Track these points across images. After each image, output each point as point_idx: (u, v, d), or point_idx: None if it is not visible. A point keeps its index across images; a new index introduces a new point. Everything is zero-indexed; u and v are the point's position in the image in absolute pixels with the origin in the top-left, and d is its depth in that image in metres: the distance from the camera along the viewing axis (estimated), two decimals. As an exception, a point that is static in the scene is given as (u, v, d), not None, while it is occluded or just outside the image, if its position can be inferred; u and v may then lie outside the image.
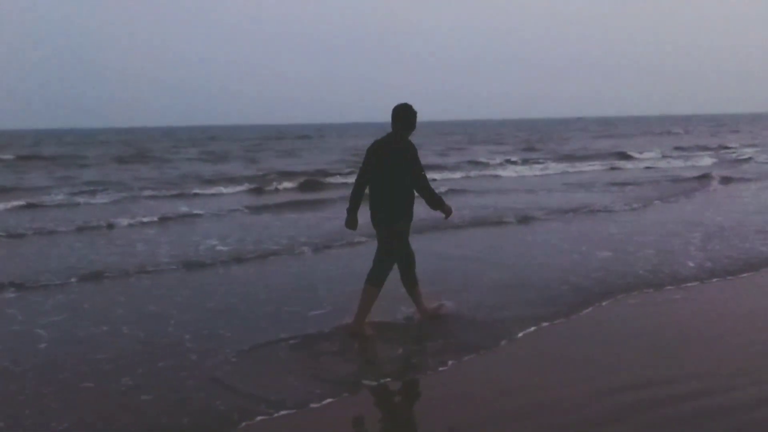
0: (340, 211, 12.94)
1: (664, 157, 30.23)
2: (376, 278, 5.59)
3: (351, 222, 5.68)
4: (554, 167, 25.47)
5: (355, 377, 4.70)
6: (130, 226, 11.78)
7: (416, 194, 5.64)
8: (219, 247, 9.63)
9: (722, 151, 32.70)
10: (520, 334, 5.51)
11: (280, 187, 19.02)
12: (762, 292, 6.84)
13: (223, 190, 18.53)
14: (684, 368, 4.70)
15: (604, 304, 6.33)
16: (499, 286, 7.03)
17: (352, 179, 20.07)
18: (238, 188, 18.86)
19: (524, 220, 11.71)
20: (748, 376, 4.50)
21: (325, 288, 7.18)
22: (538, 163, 27.73)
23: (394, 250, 5.64)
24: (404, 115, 5.53)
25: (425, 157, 28.21)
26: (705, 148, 35.39)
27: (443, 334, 5.60)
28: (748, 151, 31.70)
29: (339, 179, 20.93)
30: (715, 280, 7.15)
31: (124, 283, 7.63)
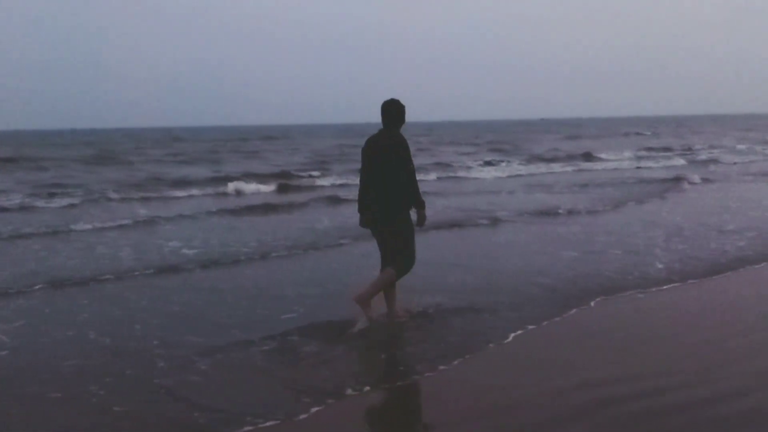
0: (308, 214, 13.13)
1: (634, 158, 30.59)
2: (401, 267, 5.75)
3: (365, 221, 5.89)
4: (524, 169, 25.72)
5: (339, 385, 4.58)
6: (93, 229, 11.52)
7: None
8: (184, 250, 9.51)
9: (688, 152, 33.32)
10: (511, 337, 5.52)
11: (247, 189, 18.78)
12: (722, 292, 6.92)
13: (187, 192, 18.21)
14: (649, 367, 4.78)
15: (588, 305, 6.38)
16: (476, 290, 7.03)
17: (322, 182, 20.16)
18: (203, 191, 18.57)
19: (495, 222, 11.78)
20: (704, 375, 4.64)
21: (294, 291, 7.12)
22: (508, 164, 27.83)
23: (411, 247, 5.77)
24: (393, 110, 5.68)
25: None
26: (669, 149, 36.04)
27: (426, 338, 5.59)
28: (714, 152, 32.41)
29: (305, 182, 20.73)
30: (690, 281, 7.24)
31: (87, 288, 7.46)
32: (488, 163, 28.10)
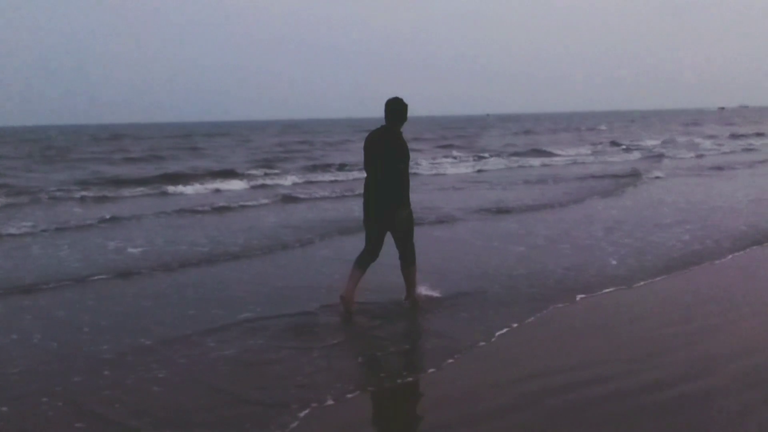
0: (259, 213, 12.96)
1: (587, 153, 31.15)
2: (413, 260, 6.25)
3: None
4: (479, 164, 25.89)
5: (320, 392, 4.49)
6: (32, 232, 11.15)
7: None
8: (130, 249, 9.40)
9: (642, 147, 34.02)
10: (497, 335, 5.57)
11: (193, 188, 18.45)
12: (672, 290, 7.06)
13: (131, 192, 17.81)
14: (636, 362, 4.93)
15: (571, 302, 6.48)
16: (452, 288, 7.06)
17: (271, 180, 19.85)
18: (148, 190, 18.12)
19: (452, 220, 11.81)
20: (644, 363, 4.89)
21: (250, 290, 7.11)
22: (462, 160, 27.92)
23: (412, 235, 6.20)
24: (397, 108, 5.98)
25: (340, 158, 28.39)
26: (623, 144, 36.82)
27: (412, 336, 5.68)
28: (667, 147, 33.42)
29: (253, 182, 20.17)
30: (645, 281, 7.28)
31: (27, 291, 7.28)
32: (435, 161, 27.85)
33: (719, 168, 21.20)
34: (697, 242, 9.09)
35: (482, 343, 5.39)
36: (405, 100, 6.08)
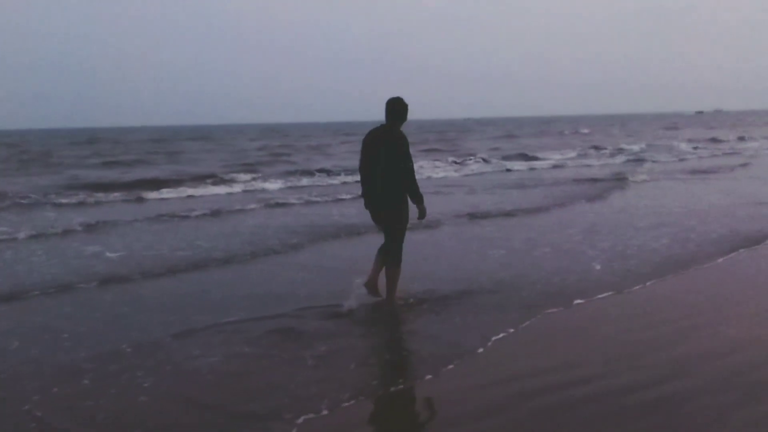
0: (241, 218, 12.82)
1: (572, 157, 31.27)
2: (397, 261, 6.32)
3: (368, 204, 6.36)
4: (457, 168, 25.90)
5: (314, 400, 4.38)
6: (7, 238, 10.89)
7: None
8: (108, 254, 9.28)
9: (623, 151, 34.12)
10: (493, 339, 5.51)
11: (174, 192, 18.22)
12: (654, 294, 6.97)
13: (110, 197, 17.45)
14: (622, 369, 4.87)
15: (568, 306, 6.42)
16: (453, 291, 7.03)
17: (250, 185, 19.64)
18: (125, 195, 17.72)
19: (432, 224, 11.69)
20: (625, 364, 4.91)
21: (233, 295, 7.01)
22: (446, 164, 27.81)
23: (403, 233, 6.31)
24: (398, 108, 6.12)
25: (321, 163, 28.29)
26: (599, 148, 36.89)
27: (407, 342, 5.61)
28: (647, 151, 33.60)
29: (234, 186, 19.91)
30: (630, 285, 7.20)
31: (5, 298, 7.09)
32: (417, 164, 27.82)
33: (702, 172, 21.34)
34: (679, 245, 9.08)
35: (480, 350, 5.30)
36: (405, 101, 6.21)
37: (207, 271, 8.32)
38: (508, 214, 12.76)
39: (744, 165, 23.46)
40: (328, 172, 23.78)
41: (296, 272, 8.15)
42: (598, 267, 7.92)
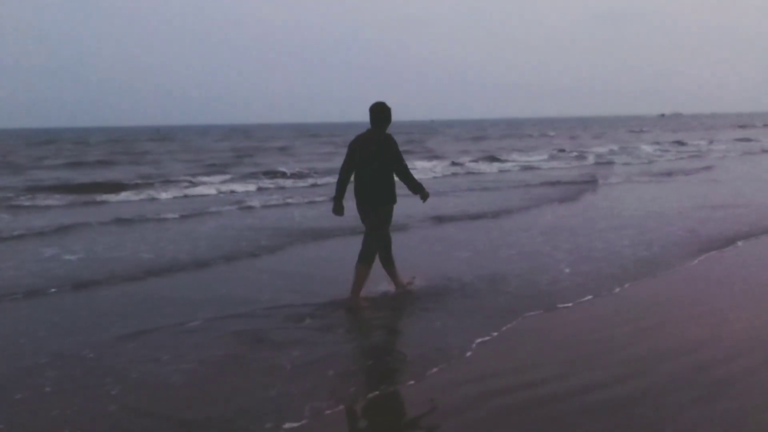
0: (208, 220, 12.59)
1: (542, 159, 31.38)
2: (365, 257, 6.52)
3: (338, 208, 6.64)
4: (427, 170, 25.73)
5: (295, 406, 4.25)
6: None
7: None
8: (66, 256, 9.11)
9: (590, 154, 34.34)
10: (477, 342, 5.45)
11: (135, 195, 17.79)
12: (617, 296, 6.98)
13: (61, 201, 16.80)
14: (607, 372, 4.86)
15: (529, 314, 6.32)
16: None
17: (223, 187, 19.30)
18: (84, 197, 17.20)
19: (400, 227, 11.60)
20: (581, 365, 4.93)
21: (199, 298, 6.89)
22: (416, 167, 27.60)
23: (381, 230, 6.58)
24: (384, 112, 6.48)
25: (288, 165, 28.06)
26: (568, 150, 37.19)
27: (388, 347, 5.56)
28: (616, 154, 34.01)
29: (198, 189, 19.52)
30: (600, 288, 7.19)
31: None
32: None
33: (669, 174, 21.62)
34: (644, 247, 9.11)
35: (468, 354, 5.23)
36: (388, 104, 6.56)
37: (172, 275, 8.14)
38: (475, 217, 12.71)
39: (708, 168, 23.83)
40: (299, 175, 23.55)
41: (264, 275, 8.06)
42: (567, 270, 7.86)
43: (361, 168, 6.51)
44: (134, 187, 19.49)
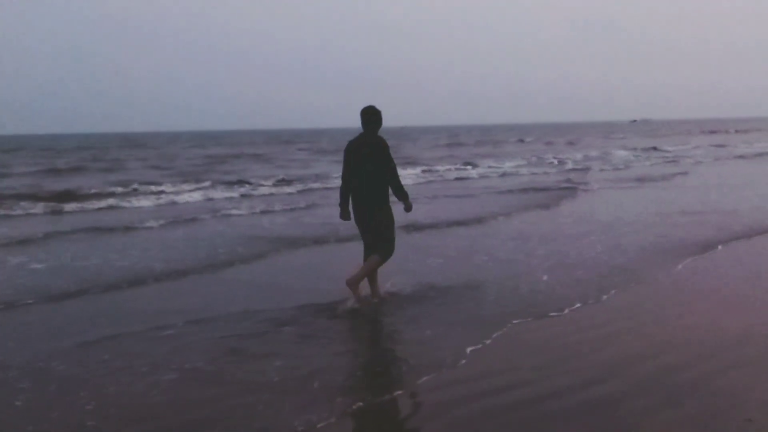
0: (155, 234, 12.25)
1: (520, 165, 31.30)
2: (389, 251, 6.80)
3: (344, 214, 6.88)
4: (403, 177, 25.43)
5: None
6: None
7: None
8: (34, 265, 8.96)
9: (567, 160, 34.49)
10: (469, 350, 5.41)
11: (93, 205, 17.26)
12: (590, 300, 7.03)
13: (27, 209, 16.32)
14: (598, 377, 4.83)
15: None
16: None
17: (204, 194, 19.01)
18: (48, 206, 16.76)
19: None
20: (553, 369, 4.97)
21: (169, 308, 6.76)
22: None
23: (392, 227, 6.81)
24: (374, 115, 6.72)
25: (264, 171, 27.85)
26: (544, 156, 37.25)
27: (377, 358, 5.49)
28: (591, 160, 34.19)
29: (162, 198, 19.04)
30: (587, 301, 7.22)
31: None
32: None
33: (646, 180, 21.77)
34: (620, 254, 9.12)
35: (463, 362, 5.19)
36: (377, 107, 6.81)
37: (147, 285, 8.00)
38: (452, 224, 12.61)
39: (684, 173, 24.08)
40: (280, 181, 23.32)
41: (241, 284, 7.98)
42: (545, 277, 7.81)
43: (355, 171, 6.70)
44: (107, 195, 19.13)
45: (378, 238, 6.79)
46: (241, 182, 23.20)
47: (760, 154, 34.93)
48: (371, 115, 6.73)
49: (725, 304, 6.77)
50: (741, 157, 33.78)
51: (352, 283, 6.66)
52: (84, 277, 8.26)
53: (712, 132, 78.12)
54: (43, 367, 5.11)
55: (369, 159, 6.65)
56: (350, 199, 6.85)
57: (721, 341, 5.56)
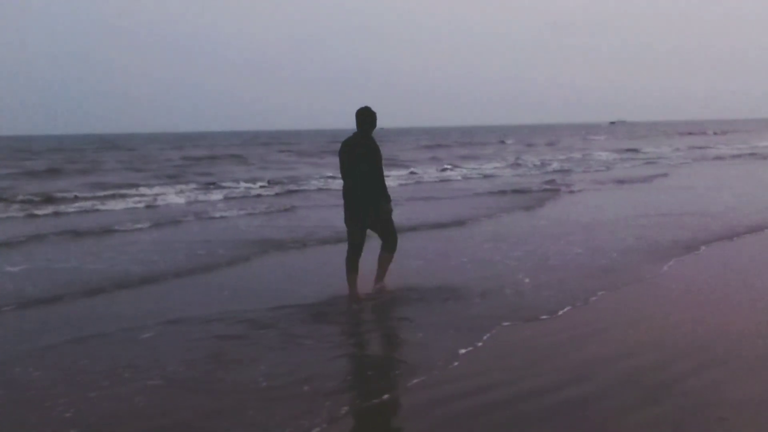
0: (133, 237, 12.05)
1: (501, 167, 31.34)
2: (394, 245, 7.20)
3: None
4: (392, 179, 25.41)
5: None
6: None
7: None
8: (8, 268, 8.85)
9: (550, 161, 34.61)
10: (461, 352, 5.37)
11: (70, 208, 16.94)
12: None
13: (8, 208, 16.33)
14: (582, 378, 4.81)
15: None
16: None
17: (188, 196, 18.81)
18: (22, 208, 16.60)
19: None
20: (527, 370, 4.99)
21: (140, 315, 6.60)
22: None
23: (391, 222, 7.09)
24: (367, 116, 6.88)
25: (245, 173, 27.69)
26: (525, 158, 37.37)
27: (370, 362, 5.45)
28: (571, 162, 34.32)
29: (140, 200, 18.94)
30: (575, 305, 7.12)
31: None
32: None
33: (628, 182, 21.86)
34: (604, 255, 9.13)
35: (456, 363, 5.15)
36: (372, 109, 6.96)
37: (123, 290, 7.85)
38: (434, 226, 12.48)
39: (665, 175, 24.25)
40: (261, 183, 23.23)
41: (221, 288, 7.87)
42: (527, 280, 7.77)
43: (350, 170, 6.90)
44: (84, 198, 18.87)
45: (385, 231, 7.10)
46: (215, 184, 23.07)
47: (737, 156, 35.38)
48: (367, 116, 6.90)
49: (702, 305, 6.76)
50: (719, 158, 34.17)
51: (379, 281, 7.16)
52: (60, 280, 8.13)
53: (690, 134, 78.86)
54: (20, 372, 4.99)
55: (364, 159, 6.81)
56: (344, 198, 7.00)
57: (695, 341, 5.59)
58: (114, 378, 4.86)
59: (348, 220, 7.05)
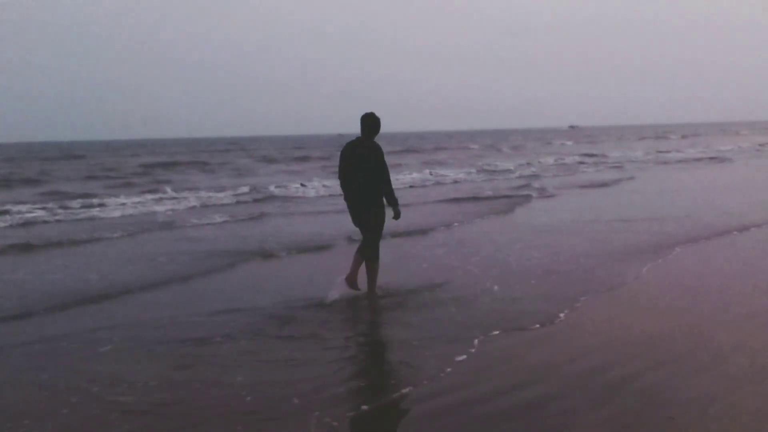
0: (100, 248, 11.70)
1: (470, 173, 31.04)
2: (375, 254, 7.32)
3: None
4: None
5: None
6: None
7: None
8: None
9: (516, 167, 34.73)
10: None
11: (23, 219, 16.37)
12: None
13: None
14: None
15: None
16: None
17: (145, 208, 18.38)
18: None
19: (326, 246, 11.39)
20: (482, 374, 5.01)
21: (106, 325, 6.47)
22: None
23: (378, 231, 7.27)
24: (371, 121, 7.20)
25: (206, 181, 27.35)
26: (491, 163, 37.56)
27: (367, 368, 5.43)
28: (536, 166, 34.70)
29: (101, 209, 18.59)
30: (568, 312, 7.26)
31: None
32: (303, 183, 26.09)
33: (594, 185, 22.18)
34: (584, 259, 9.19)
35: (449, 370, 5.13)
36: (376, 115, 7.24)
37: (84, 302, 7.62)
38: (397, 234, 11.82)
39: (631, 178, 24.56)
40: (253, 188, 22.95)
41: (188, 297, 7.79)
42: (496, 287, 7.73)
43: (352, 171, 7.19)
44: (39, 209, 18.20)
45: (366, 229, 7.27)
46: (185, 190, 22.72)
47: (698, 159, 36.37)
48: (371, 121, 7.22)
49: (658, 307, 6.85)
50: (682, 161, 34.94)
51: (371, 295, 7.31)
52: (13, 295, 7.87)
53: (650, 137, 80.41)
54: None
55: (366, 159, 7.14)
56: (346, 199, 7.29)
57: (644, 342, 5.68)
58: (81, 394, 4.68)
59: (353, 220, 7.38)
